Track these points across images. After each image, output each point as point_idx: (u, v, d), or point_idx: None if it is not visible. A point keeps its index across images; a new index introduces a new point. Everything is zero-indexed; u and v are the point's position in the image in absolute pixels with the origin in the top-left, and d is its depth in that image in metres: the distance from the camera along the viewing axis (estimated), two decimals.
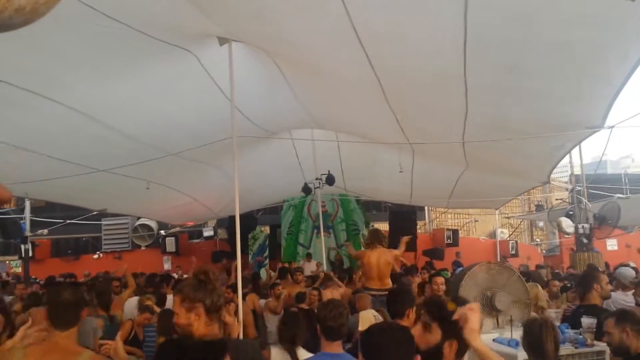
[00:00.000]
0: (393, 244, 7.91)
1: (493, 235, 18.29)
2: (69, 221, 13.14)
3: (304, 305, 6.62)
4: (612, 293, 5.59)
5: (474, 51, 4.28)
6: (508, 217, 19.73)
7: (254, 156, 9.04)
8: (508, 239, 18.29)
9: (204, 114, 6.74)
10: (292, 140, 9.47)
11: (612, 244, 16.16)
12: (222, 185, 9.93)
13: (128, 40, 4.67)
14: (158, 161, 7.49)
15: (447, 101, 5.76)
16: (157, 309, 6.02)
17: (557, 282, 7.71)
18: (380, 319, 4.96)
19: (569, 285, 7.72)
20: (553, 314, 4.81)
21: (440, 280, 6.13)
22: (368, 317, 4.97)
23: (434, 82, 5.32)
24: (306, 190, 11.36)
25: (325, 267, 11.17)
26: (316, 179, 10.81)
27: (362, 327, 4.81)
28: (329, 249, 13.97)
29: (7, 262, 15.34)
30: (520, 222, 21.03)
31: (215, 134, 7.06)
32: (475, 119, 6.08)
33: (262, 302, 7.36)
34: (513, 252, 16.32)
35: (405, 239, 7.69)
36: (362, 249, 7.94)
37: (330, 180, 10.39)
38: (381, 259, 7.12)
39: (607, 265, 11.32)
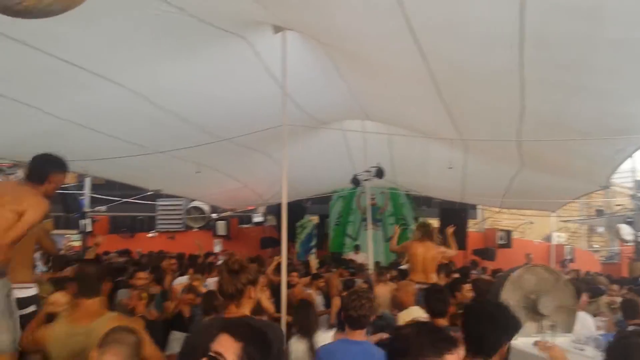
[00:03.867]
0: (442, 242, 7.74)
1: (549, 238, 17.65)
2: (125, 199, 13.70)
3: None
4: None
5: (532, 46, 4.12)
6: (565, 221, 18.96)
7: (304, 145, 9.09)
8: (564, 243, 17.61)
9: (256, 101, 6.83)
10: (343, 131, 9.46)
11: None
12: (272, 172, 10.05)
13: (185, 26, 4.79)
14: (210, 145, 7.66)
15: (502, 97, 5.59)
16: (203, 289, 6.24)
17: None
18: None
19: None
20: (600, 322, 4.60)
21: (466, 287, 5.55)
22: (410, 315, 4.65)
23: (488, 76, 5.17)
24: (355, 182, 11.33)
25: (371, 260, 11.14)
26: (366, 171, 10.74)
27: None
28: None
29: (67, 236, 16.15)
30: (579, 226, 20.18)
31: (267, 121, 7.13)
32: (531, 116, 5.87)
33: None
34: (569, 257, 15.72)
35: (449, 230, 7.48)
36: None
37: (379, 173, 10.31)
38: (428, 253, 7.01)
39: None
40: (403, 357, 1.60)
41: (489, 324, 2.18)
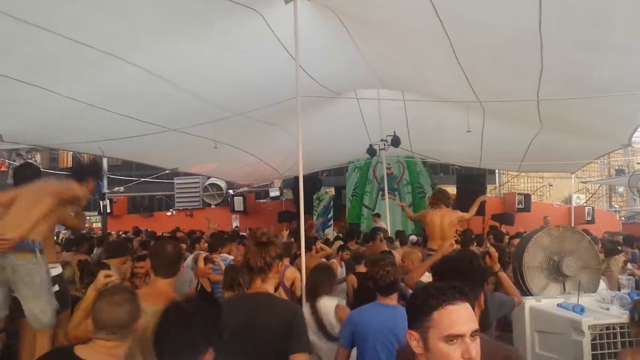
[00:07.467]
0: (461, 208, 7.66)
1: (568, 200, 17.46)
2: (143, 179, 13.80)
3: (361, 268, 6.47)
4: None
5: (551, 1, 3.99)
6: (585, 182, 18.72)
7: (319, 117, 9.01)
8: (584, 204, 17.41)
9: (269, 73, 6.76)
10: (358, 100, 9.34)
11: None
12: (287, 145, 10.02)
13: (198, 1, 4.72)
14: (225, 121, 7.63)
15: (521, 56, 5.44)
16: (222, 264, 6.24)
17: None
18: None
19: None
20: (625, 280, 4.55)
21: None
22: None
23: (506, 36, 5.03)
24: (371, 152, 11.25)
25: (390, 229, 11.12)
26: (381, 140, 10.64)
27: None
28: None
29: (88, 217, 16.41)
30: (599, 187, 19.92)
31: (281, 94, 7.06)
32: (551, 75, 5.72)
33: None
34: (589, 219, 15.56)
35: (480, 198, 7.45)
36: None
37: (395, 141, 10.20)
38: (445, 219, 6.90)
39: None
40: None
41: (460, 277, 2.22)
